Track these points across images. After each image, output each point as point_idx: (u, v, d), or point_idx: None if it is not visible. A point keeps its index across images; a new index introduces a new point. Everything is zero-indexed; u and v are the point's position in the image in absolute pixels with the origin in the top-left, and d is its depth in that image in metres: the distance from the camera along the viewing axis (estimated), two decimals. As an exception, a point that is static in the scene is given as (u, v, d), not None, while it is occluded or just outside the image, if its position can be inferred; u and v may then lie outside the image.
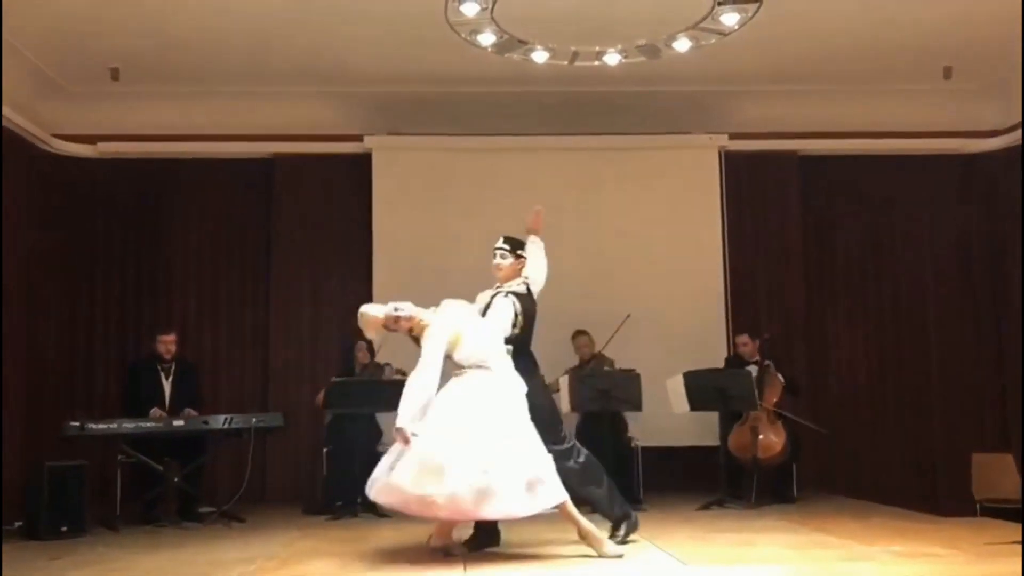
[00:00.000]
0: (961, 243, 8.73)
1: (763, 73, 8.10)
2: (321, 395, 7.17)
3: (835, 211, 8.85)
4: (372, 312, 4.78)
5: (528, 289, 5.08)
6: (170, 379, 6.97)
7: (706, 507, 6.71)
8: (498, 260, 5.10)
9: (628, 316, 7.45)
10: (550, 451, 4.59)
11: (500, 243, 5.13)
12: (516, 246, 5.14)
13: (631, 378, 6.99)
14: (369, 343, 7.37)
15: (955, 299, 8.66)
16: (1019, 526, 5.05)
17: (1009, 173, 8.28)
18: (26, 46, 7.20)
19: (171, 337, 7.06)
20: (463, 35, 6.88)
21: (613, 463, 6.83)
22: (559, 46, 7.12)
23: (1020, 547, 4.31)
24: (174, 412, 6.77)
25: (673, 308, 8.23)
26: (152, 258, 8.50)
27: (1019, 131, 8.17)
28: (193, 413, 6.72)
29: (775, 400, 7.28)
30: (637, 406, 6.98)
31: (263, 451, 7.81)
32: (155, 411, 6.70)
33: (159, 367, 6.98)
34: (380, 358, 7.16)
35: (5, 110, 7.21)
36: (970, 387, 8.52)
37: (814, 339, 8.66)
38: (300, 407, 7.83)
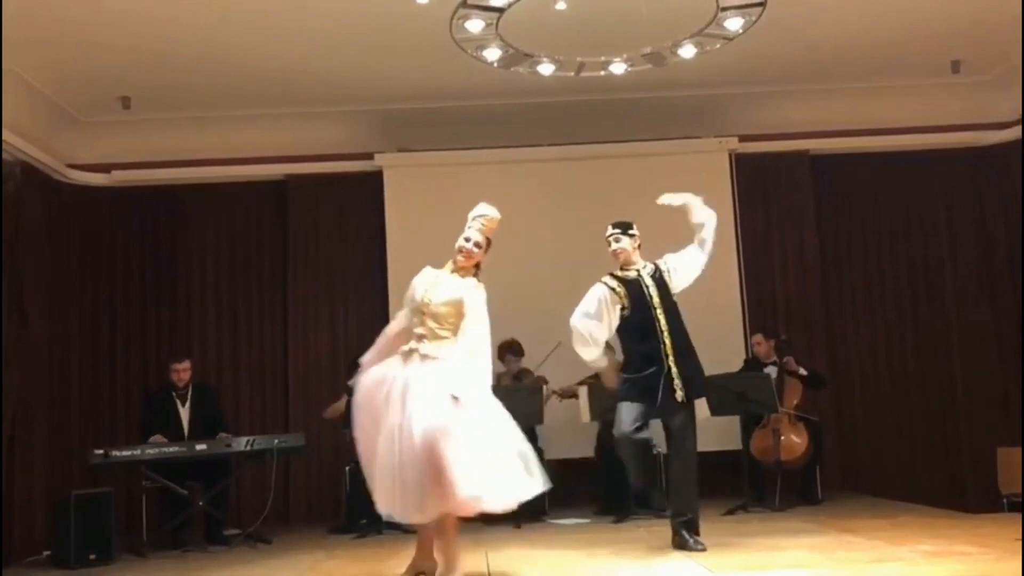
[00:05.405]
0: (979, 237, 8.67)
1: (771, 74, 8.09)
2: (333, 408, 7.15)
3: (849, 209, 8.80)
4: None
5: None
6: (186, 405, 7.01)
7: (731, 512, 6.69)
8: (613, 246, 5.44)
9: None
10: None
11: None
12: (625, 227, 5.49)
13: (650, 385, 6.97)
14: None
15: (975, 293, 8.59)
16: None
17: (1024, 163, 8.23)
18: (36, 78, 7.27)
19: (184, 365, 7.09)
20: (469, 52, 6.90)
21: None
22: (565, 57, 7.13)
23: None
24: (194, 437, 6.79)
25: (690, 313, 8.10)
26: (170, 283, 8.54)
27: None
28: (225, 436, 6.73)
29: (795, 402, 7.25)
30: (657, 413, 6.97)
31: (286, 471, 7.88)
32: (156, 437, 6.69)
33: (174, 394, 7.02)
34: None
35: (20, 143, 7.28)
36: (993, 381, 8.44)
37: (834, 338, 8.62)
38: (321, 426, 7.84)
